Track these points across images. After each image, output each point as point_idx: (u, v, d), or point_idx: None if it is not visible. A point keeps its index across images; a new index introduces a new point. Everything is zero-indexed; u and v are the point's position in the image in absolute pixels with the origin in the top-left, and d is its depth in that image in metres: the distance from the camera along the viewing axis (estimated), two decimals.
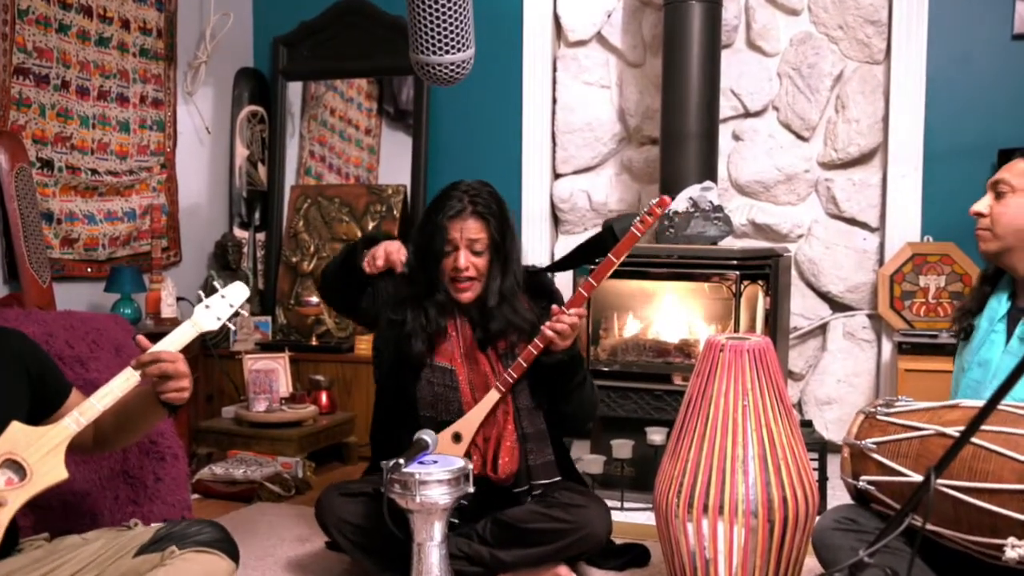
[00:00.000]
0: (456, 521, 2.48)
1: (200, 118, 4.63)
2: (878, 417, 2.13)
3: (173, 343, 1.94)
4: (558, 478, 2.60)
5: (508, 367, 2.52)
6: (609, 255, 2.42)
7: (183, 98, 4.52)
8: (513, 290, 2.56)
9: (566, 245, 4.48)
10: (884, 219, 4.15)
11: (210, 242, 4.68)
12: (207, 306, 1.99)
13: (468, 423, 2.52)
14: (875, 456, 2.07)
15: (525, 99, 4.55)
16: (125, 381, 1.91)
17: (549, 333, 2.44)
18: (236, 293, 2.02)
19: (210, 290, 2.04)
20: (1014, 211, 2.14)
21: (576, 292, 2.48)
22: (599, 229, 4.54)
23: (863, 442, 2.10)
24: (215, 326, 1.99)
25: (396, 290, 2.62)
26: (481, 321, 2.57)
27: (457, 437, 2.51)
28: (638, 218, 2.41)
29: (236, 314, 2.02)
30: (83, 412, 1.89)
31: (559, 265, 2.79)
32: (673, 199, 2.51)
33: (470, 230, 2.51)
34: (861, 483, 2.11)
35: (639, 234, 2.41)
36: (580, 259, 2.58)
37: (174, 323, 3.94)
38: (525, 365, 2.48)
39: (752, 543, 2.13)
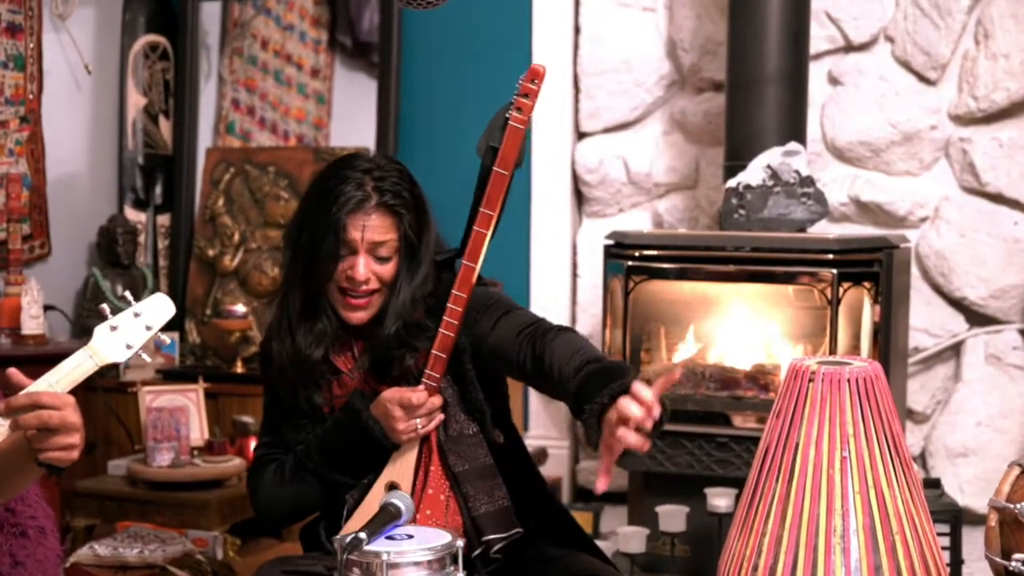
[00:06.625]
0: None
1: (76, 52, 4.64)
2: None
3: (60, 382, 1.92)
4: (517, 530, 2.60)
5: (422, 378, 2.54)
6: (495, 169, 2.43)
7: (51, 23, 4.52)
8: (416, 300, 2.58)
9: (593, 232, 4.49)
10: None
11: (92, 228, 4.68)
12: (113, 327, 1.94)
13: (401, 466, 2.53)
14: None
15: (536, 27, 4.55)
16: None
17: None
18: (157, 310, 1.98)
19: (94, 293, 2.03)
20: None
21: (473, 233, 2.46)
22: (608, 220, 4.57)
23: (1018, 506, 2.11)
24: (123, 357, 1.95)
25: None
26: (369, 347, 2.60)
27: (392, 488, 2.53)
28: (512, 106, 2.43)
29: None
30: None
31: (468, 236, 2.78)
32: (545, 69, 2.52)
33: (374, 229, 2.51)
34: (1014, 564, 2.12)
35: (521, 126, 2.42)
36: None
37: (39, 342, 3.95)
38: (444, 356, 2.50)
39: None
